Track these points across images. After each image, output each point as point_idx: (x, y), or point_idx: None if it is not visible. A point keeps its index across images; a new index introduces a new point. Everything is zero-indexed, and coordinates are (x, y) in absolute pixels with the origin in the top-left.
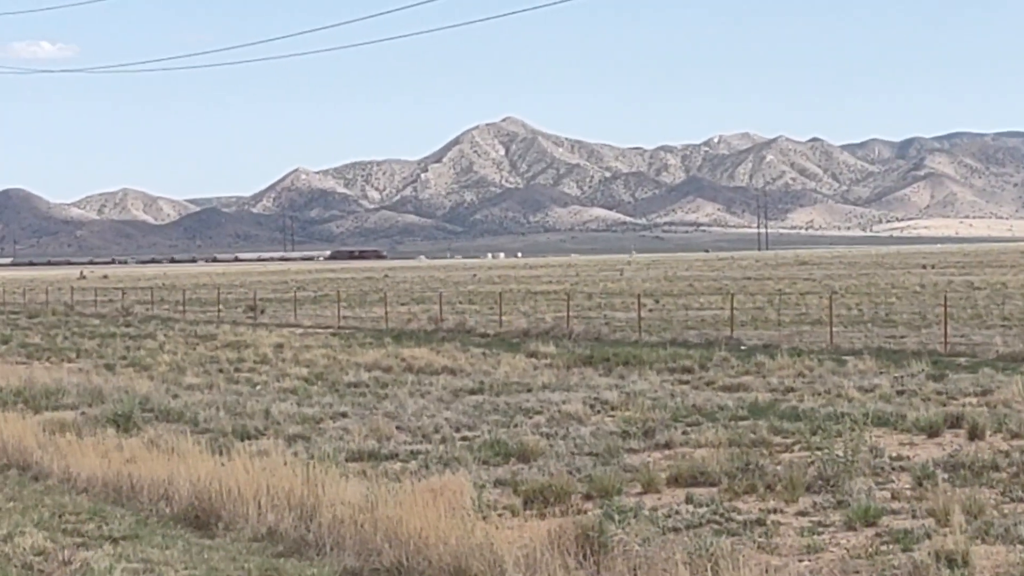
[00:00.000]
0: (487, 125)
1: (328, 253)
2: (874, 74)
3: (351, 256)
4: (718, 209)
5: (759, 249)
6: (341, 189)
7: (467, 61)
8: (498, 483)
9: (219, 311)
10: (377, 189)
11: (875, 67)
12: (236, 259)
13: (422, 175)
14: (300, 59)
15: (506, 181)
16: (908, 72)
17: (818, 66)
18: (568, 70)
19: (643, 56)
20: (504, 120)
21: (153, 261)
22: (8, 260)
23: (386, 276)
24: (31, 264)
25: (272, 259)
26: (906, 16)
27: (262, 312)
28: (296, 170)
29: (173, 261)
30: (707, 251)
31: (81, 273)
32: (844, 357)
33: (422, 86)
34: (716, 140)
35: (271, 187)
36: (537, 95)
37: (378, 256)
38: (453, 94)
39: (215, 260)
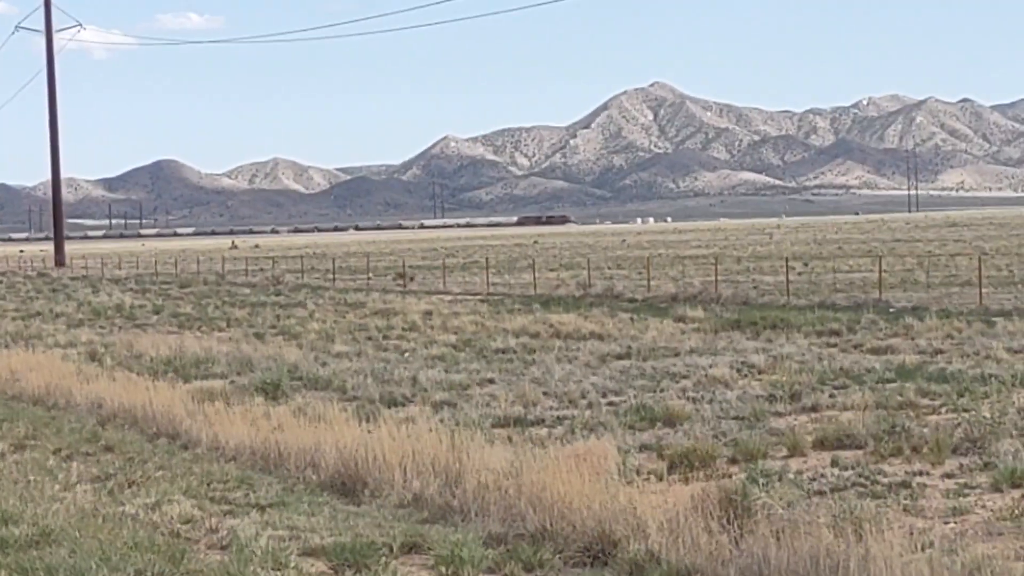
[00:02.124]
0: (635, 90)
1: (515, 219)
2: None
3: (539, 221)
4: (868, 171)
5: (909, 211)
6: (490, 156)
7: (615, 26)
8: (643, 448)
9: (368, 279)
10: (526, 156)
11: None
12: (422, 226)
13: (571, 141)
14: (448, 26)
15: (655, 146)
16: None
17: (967, 24)
18: (716, 33)
19: (791, 18)
20: (652, 85)
21: (336, 229)
22: (191, 230)
23: (535, 242)
24: (213, 233)
25: (457, 225)
26: None
27: (411, 280)
28: (445, 138)
29: (358, 229)
30: (857, 214)
31: (232, 243)
32: (994, 318)
33: (570, 52)
34: (865, 102)
35: (420, 155)
36: (685, 59)
37: (565, 221)
38: (601, 59)
39: (400, 227)
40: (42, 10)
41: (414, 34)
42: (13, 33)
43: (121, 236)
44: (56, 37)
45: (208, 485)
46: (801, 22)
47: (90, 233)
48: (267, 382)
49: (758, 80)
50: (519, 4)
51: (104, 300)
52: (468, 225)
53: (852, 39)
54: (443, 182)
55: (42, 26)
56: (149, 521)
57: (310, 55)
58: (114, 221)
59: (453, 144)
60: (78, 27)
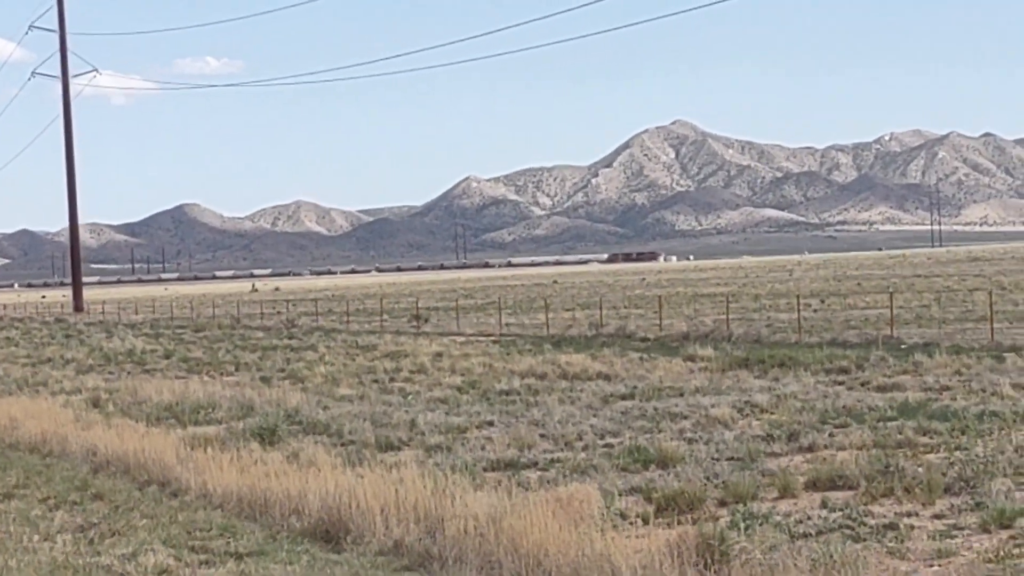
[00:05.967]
0: (657, 128)
1: (605, 256)
2: None
3: (628, 259)
4: (890, 207)
5: (932, 247)
6: (512, 196)
7: (636, 64)
8: (633, 490)
9: (382, 321)
10: (548, 195)
11: None
12: (509, 263)
13: (593, 180)
14: (468, 66)
15: (677, 184)
16: None
17: (989, 59)
18: (737, 71)
19: (812, 54)
20: (674, 123)
21: (420, 268)
22: (267, 271)
23: (555, 282)
24: (292, 274)
25: (547, 263)
26: None
27: (426, 321)
28: (467, 178)
29: (443, 268)
30: (880, 249)
31: (253, 286)
32: (1004, 354)
33: (592, 90)
34: (887, 138)
35: (442, 196)
36: (706, 97)
37: (653, 258)
38: (623, 98)
39: (487, 265)
40: (58, 56)
41: (434, 74)
42: (30, 79)
43: (196, 279)
44: (72, 82)
45: (190, 533)
46: (821, 58)
47: (163, 276)
48: (263, 427)
49: (779, 117)
50: (536, 42)
51: (116, 345)
52: (558, 263)
53: (873, 75)
54: (465, 223)
55: (58, 72)
56: (123, 572)
57: (331, 97)
58: (136, 266)
59: (475, 184)
60: (94, 72)
